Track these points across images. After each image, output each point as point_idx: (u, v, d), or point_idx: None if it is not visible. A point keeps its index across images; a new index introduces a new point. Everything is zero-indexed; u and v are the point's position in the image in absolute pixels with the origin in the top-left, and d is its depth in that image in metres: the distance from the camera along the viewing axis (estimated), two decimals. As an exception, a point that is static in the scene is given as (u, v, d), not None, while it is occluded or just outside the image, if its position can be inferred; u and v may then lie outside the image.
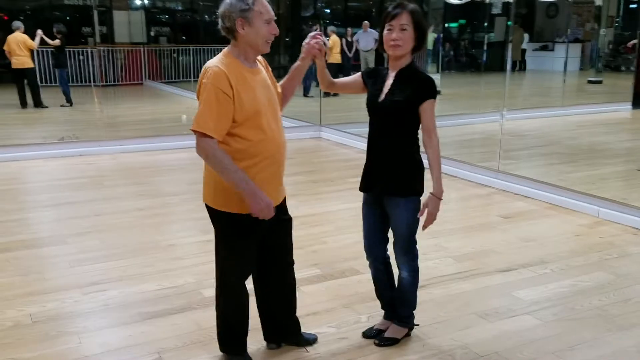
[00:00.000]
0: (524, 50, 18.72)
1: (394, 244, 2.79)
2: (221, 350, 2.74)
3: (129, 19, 16.67)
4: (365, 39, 12.96)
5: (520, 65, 18.98)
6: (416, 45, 2.60)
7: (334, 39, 12.16)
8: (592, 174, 6.14)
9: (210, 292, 3.43)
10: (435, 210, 2.61)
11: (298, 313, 2.90)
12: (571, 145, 7.88)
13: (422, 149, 2.70)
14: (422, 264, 3.82)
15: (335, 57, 12.30)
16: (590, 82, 15.32)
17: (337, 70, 12.07)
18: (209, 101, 2.32)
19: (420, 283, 3.52)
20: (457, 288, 3.50)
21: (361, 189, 2.79)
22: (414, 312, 2.93)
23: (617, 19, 16.65)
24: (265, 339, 2.85)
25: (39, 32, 10.71)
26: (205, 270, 3.77)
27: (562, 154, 7.32)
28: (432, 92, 2.57)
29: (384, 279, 2.91)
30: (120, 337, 2.95)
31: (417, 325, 2.97)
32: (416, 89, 2.56)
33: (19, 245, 4.22)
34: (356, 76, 2.82)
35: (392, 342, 2.86)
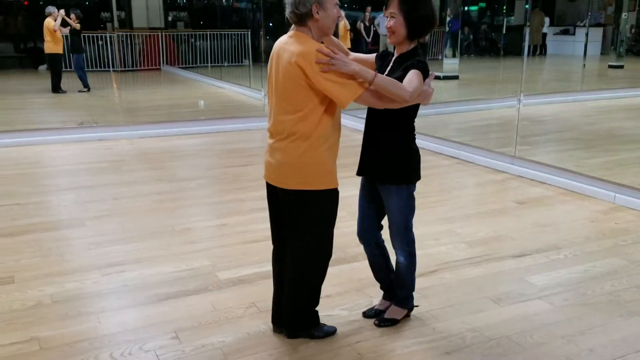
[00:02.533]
0: (544, 35, 18.46)
1: (390, 229, 2.82)
2: (310, 329, 2.80)
3: (147, 4, 16.73)
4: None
5: (540, 49, 18.73)
6: (410, 33, 2.57)
7: (343, 25, 11.88)
8: (610, 160, 6.08)
9: (225, 274, 3.52)
10: (344, 65, 2.39)
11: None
12: (589, 131, 7.80)
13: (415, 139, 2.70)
14: (434, 249, 3.87)
15: (346, 43, 12.07)
16: (611, 66, 15.08)
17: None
18: (337, 73, 2.41)
19: (432, 268, 3.57)
20: (469, 273, 3.52)
21: (357, 172, 2.83)
22: (414, 293, 2.96)
23: (641, 2, 16.26)
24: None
25: (61, 12, 10.85)
26: (220, 253, 3.84)
27: (580, 140, 7.25)
28: (418, 65, 2.51)
29: (380, 263, 2.94)
30: (138, 317, 3.03)
31: (417, 306, 3.01)
32: (405, 69, 2.53)
33: (39, 227, 4.32)
34: (371, 55, 2.85)
35: (392, 322, 2.91)
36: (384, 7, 2.69)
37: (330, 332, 2.85)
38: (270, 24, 12.50)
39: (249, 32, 16.06)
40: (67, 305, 3.15)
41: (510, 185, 5.41)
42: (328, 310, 3.06)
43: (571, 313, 3.05)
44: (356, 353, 2.71)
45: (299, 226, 2.63)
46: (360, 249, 3.62)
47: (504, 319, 2.98)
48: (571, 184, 5.17)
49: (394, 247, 2.85)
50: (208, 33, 16.79)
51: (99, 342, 2.79)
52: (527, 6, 7.23)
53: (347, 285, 3.36)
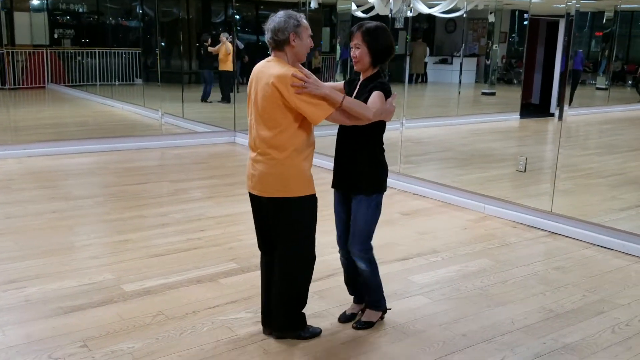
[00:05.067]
0: (425, 64, 19.82)
1: (352, 236, 3.03)
2: (298, 330, 3.00)
3: (31, 21, 16.03)
4: None
5: (422, 77, 20.08)
6: (373, 60, 2.90)
7: (226, 47, 11.96)
8: (481, 176, 6.81)
9: (131, 287, 3.62)
10: (317, 88, 2.69)
11: (220, 302, 3.19)
12: (464, 151, 8.61)
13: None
14: (331, 255, 4.19)
15: (228, 65, 12.00)
16: (484, 93, 16.53)
17: (230, 77, 11.71)
18: (310, 95, 2.68)
19: (329, 272, 3.91)
20: (360, 276, 3.89)
21: (332, 185, 3.10)
22: (384, 297, 3.22)
23: (513, 35, 17.97)
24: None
25: None
26: (123, 267, 3.92)
27: (456, 159, 8.01)
28: (381, 87, 2.85)
29: (352, 267, 3.17)
30: (44, 328, 3.07)
31: (390, 309, 3.27)
32: (370, 90, 2.88)
33: None
34: (339, 83, 3.16)
35: (368, 325, 3.15)
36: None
37: (316, 332, 3.07)
38: (163, 44, 12.48)
39: (141, 51, 15.86)
40: (-33, 321, 3.12)
41: (396, 199, 5.92)
42: (235, 313, 3.28)
43: (447, 305, 3.50)
44: (262, 349, 2.95)
45: (284, 232, 2.87)
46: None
47: (392, 312, 3.34)
48: (448, 197, 5.77)
49: (354, 256, 3.07)
50: (97, 51, 16.34)
51: (6, 353, 2.82)
52: (407, 37, 7.92)
53: (251, 291, 3.57)
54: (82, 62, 16.47)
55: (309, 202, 2.87)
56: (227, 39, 11.63)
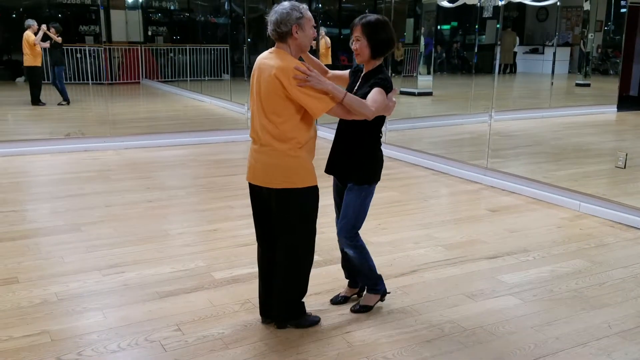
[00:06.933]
0: (514, 53, 19.09)
1: (339, 224, 3.12)
2: (298, 319, 3.07)
3: (126, 18, 16.91)
4: None
5: (511, 68, 19.36)
6: (373, 53, 2.91)
7: (324, 43, 12.25)
8: (576, 172, 6.48)
9: (220, 274, 3.75)
10: (319, 82, 2.70)
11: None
12: (557, 145, 8.23)
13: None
14: (414, 251, 4.16)
15: (328, 59, 12.32)
16: (578, 85, 15.70)
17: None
18: (312, 88, 2.72)
19: (412, 268, 3.86)
20: (446, 272, 3.82)
21: (325, 170, 3.16)
22: (382, 280, 3.25)
23: (609, 23, 16.99)
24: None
25: (43, 27, 10.93)
26: (214, 255, 4.07)
27: (548, 153, 7.66)
28: (380, 83, 2.86)
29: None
30: (141, 312, 3.24)
31: (389, 292, 3.30)
32: (370, 85, 2.90)
33: (38, 232, 4.49)
34: (345, 72, 3.23)
35: (365, 309, 3.20)
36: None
37: (315, 321, 3.13)
38: (249, 40, 12.78)
39: (229, 47, 16.32)
40: (72, 302, 3.34)
41: (483, 195, 5.75)
42: (319, 305, 3.31)
43: (539, 307, 3.36)
44: (345, 342, 2.96)
45: (288, 222, 2.92)
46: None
47: (478, 312, 3.27)
48: (540, 193, 5.53)
49: (340, 241, 3.15)
50: (187, 47, 17.00)
51: (107, 334, 3.00)
52: (498, 25, 7.64)
53: (335, 284, 3.61)
54: (174, 58, 17.21)
55: (312, 193, 2.91)
56: (325, 33, 11.95)
